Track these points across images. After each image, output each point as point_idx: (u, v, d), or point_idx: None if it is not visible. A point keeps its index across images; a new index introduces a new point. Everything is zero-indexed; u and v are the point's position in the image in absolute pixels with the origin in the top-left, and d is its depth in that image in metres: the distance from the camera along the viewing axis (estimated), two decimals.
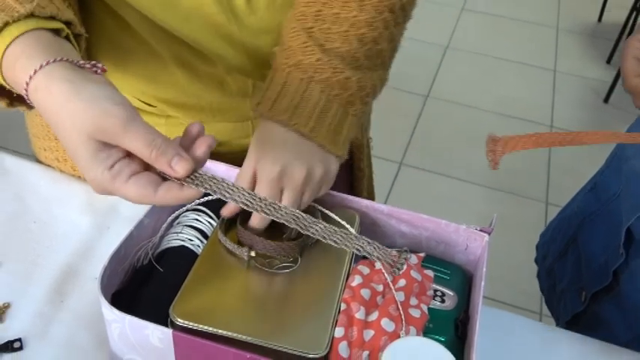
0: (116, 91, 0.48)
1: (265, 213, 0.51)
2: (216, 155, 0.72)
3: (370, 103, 0.69)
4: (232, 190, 0.50)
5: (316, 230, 0.51)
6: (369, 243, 0.52)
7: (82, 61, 0.49)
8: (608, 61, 2.87)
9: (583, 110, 2.60)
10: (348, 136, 0.65)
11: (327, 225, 0.51)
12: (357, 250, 0.51)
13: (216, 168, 0.70)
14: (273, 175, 0.58)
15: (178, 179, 0.48)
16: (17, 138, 0.92)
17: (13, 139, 0.96)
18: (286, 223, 0.50)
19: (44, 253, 0.70)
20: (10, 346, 0.61)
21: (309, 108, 0.62)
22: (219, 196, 0.50)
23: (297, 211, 0.51)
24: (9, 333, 0.62)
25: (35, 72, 0.47)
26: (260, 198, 0.51)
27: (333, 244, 0.51)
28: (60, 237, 0.72)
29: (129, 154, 0.47)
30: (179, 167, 0.47)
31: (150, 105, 0.73)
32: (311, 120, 0.61)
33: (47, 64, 0.47)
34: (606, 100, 2.62)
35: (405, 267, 0.52)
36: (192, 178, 0.49)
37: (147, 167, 0.48)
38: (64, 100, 0.46)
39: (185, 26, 0.65)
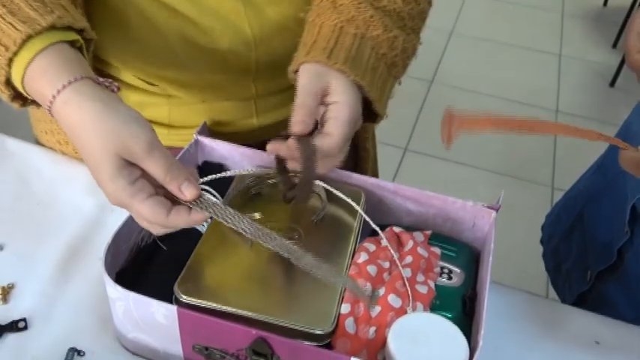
0: (140, 114, 0.52)
1: (262, 241, 0.53)
2: (220, 135, 0.72)
3: (407, 67, 0.70)
4: (233, 216, 0.54)
5: (307, 262, 0.53)
6: (349, 279, 0.56)
7: (100, 79, 0.52)
8: (614, 45, 2.84)
9: (589, 95, 2.58)
10: (388, 97, 0.67)
11: (315, 259, 0.53)
12: (339, 283, 0.55)
13: (221, 148, 0.70)
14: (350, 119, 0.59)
15: (186, 202, 0.52)
16: (18, 121, 0.92)
17: (14, 123, 0.95)
18: (280, 252, 0.53)
19: (48, 234, 0.70)
20: (14, 326, 0.60)
21: (364, 63, 0.62)
22: (221, 220, 0.54)
23: (290, 242, 0.54)
24: (13, 313, 0.62)
25: (64, 87, 0.50)
26: (258, 227, 0.54)
27: (319, 277, 0.53)
28: (63, 218, 0.72)
29: (145, 175, 0.51)
30: (187, 192, 0.51)
31: (151, 84, 0.72)
32: (367, 74, 0.62)
33: (75, 80, 0.50)
34: (612, 84, 2.60)
35: (376, 300, 0.56)
36: (197, 202, 0.52)
37: (156, 189, 0.52)
38: (95, 118, 0.49)
39: (187, 0, 0.64)
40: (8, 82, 0.54)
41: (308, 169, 0.57)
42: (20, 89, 0.54)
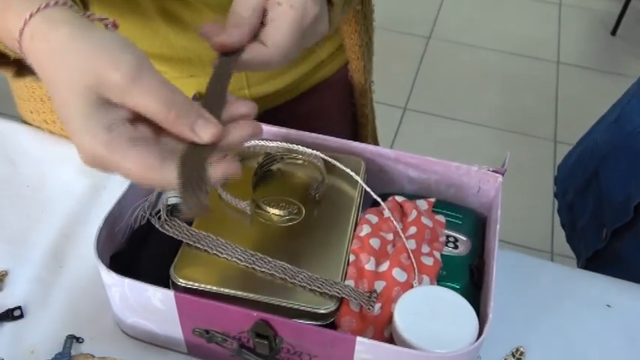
0: (129, 41, 0.38)
1: (257, 266, 0.52)
2: None
3: None
4: (226, 246, 0.52)
5: (301, 278, 0.51)
6: (345, 286, 0.52)
7: (88, 13, 0.40)
8: None
9: (590, 43, 2.52)
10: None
11: (309, 274, 0.52)
12: (337, 292, 0.51)
13: None
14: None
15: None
16: (2, 100, 0.89)
17: None
18: (275, 274, 0.51)
19: (39, 218, 0.67)
20: (10, 315, 0.59)
21: None
22: (214, 253, 0.52)
23: (284, 263, 0.52)
24: (8, 301, 0.60)
25: (31, 15, 0.38)
26: (251, 253, 0.52)
27: (316, 289, 0.51)
28: (54, 200, 0.69)
29: (133, 120, 0.38)
30: (204, 132, 0.37)
31: None
32: None
33: (47, 6, 0.38)
34: (614, 32, 2.54)
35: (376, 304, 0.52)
36: (188, 235, 0.49)
37: (149, 135, 0.39)
38: (63, 45, 0.37)
39: None
40: None
41: (213, 101, 0.42)
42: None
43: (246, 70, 0.50)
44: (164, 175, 0.37)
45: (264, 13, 0.47)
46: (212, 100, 0.42)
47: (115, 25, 0.41)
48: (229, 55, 0.47)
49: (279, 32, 0.46)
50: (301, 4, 0.47)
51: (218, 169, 0.38)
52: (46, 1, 0.38)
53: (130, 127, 0.37)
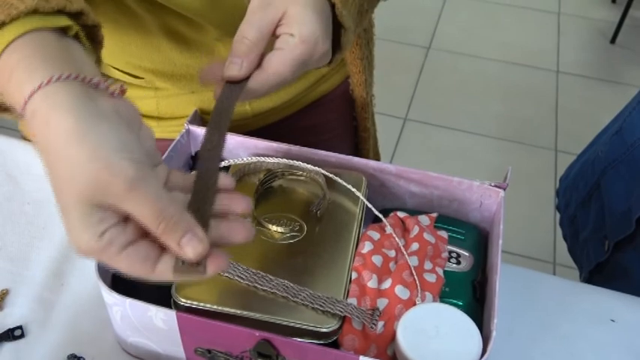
0: (132, 135, 0.38)
1: (259, 284, 0.51)
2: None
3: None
4: (228, 265, 0.49)
5: (304, 297, 0.51)
6: (347, 304, 0.52)
7: (95, 79, 0.39)
8: (614, 1, 2.78)
9: (589, 52, 2.53)
10: (363, 26, 0.58)
11: (312, 292, 0.51)
12: (339, 311, 0.50)
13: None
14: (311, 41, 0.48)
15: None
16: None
17: None
18: (277, 293, 0.51)
19: (40, 235, 0.67)
20: (10, 335, 0.58)
21: None
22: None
23: (286, 281, 0.52)
24: (9, 320, 0.60)
25: (32, 93, 0.37)
26: (253, 272, 0.52)
27: (318, 307, 0.50)
28: (55, 217, 0.69)
29: (126, 219, 0.38)
30: (189, 248, 0.36)
31: (137, 77, 0.69)
32: None
33: (48, 82, 0.37)
34: (613, 40, 2.55)
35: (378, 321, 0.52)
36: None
37: (143, 233, 0.38)
38: (62, 142, 0.36)
39: None
40: None
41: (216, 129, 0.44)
42: None
43: (246, 99, 0.50)
44: (155, 272, 0.38)
45: (275, 29, 0.48)
46: (203, 183, 0.41)
47: (122, 92, 0.41)
48: (233, 84, 0.47)
49: (283, 63, 0.47)
50: (313, 40, 0.47)
51: (210, 265, 0.38)
52: (48, 77, 0.37)
53: (121, 230, 0.37)
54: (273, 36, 0.48)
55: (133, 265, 0.37)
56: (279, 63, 0.47)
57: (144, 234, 0.38)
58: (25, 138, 0.80)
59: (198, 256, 0.37)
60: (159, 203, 0.36)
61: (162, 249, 0.38)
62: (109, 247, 0.37)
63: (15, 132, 0.81)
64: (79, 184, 0.36)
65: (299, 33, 0.47)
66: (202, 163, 0.42)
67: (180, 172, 0.43)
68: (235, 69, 0.46)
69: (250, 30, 0.47)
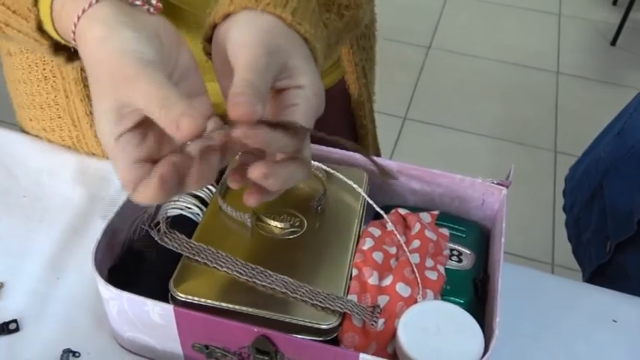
0: (152, 42, 0.41)
1: (258, 280, 0.51)
2: None
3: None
4: (227, 259, 0.52)
5: (303, 293, 0.50)
6: (348, 301, 0.51)
7: None
8: (614, 3, 2.77)
9: (590, 54, 2.53)
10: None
11: (311, 288, 0.51)
12: (339, 307, 0.50)
13: None
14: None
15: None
16: (1, 109, 0.88)
17: None
18: (276, 289, 0.51)
19: (36, 229, 0.66)
20: (5, 328, 0.57)
21: (315, 16, 0.49)
22: (215, 266, 0.52)
23: (285, 276, 0.51)
24: (4, 314, 0.59)
25: (78, 18, 0.41)
26: (252, 267, 0.51)
27: (318, 304, 0.50)
28: (52, 210, 0.68)
29: (143, 131, 0.40)
30: (184, 126, 0.37)
31: None
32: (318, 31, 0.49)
33: (90, 5, 0.41)
34: (613, 42, 2.55)
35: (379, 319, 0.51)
36: (188, 247, 0.50)
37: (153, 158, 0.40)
38: (94, 47, 0.41)
39: None
40: (41, 28, 0.46)
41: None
42: (54, 34, 0.45)
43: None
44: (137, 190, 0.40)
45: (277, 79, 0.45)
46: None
47: (157, 8, 0.44)
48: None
49: (307, 121, 0.44)
50: (322, 91, 0.45)
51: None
52: (88, 1, 0.41)
53: (136, 143, 0.40)
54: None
55: (132, 183, 0.39)
56: (303, 120, 0.43)
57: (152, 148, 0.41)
58: (23, 130, 0.80)
59: (192, 132, 0.37)
60: (161, 90, 0.38)
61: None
62: (121, 154, 0.40)
63: (12, 125, 0.80)
64: (101, 82, 0.40)
65: (310, 85, 0.44)
66: None
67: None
68: (246, 109, 0.40)
69: (258, 78, 0.42)
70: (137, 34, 0.41)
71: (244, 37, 0.44)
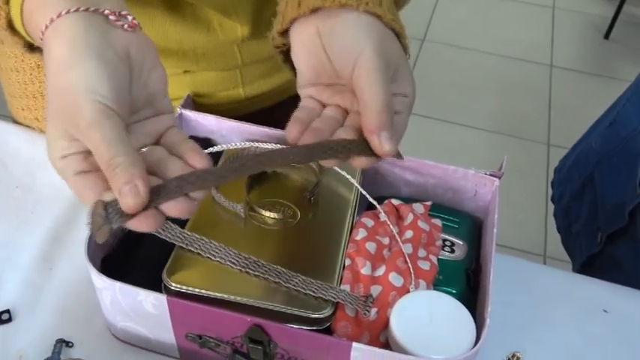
0: (115, 76, 0.39)
1: (251, 269, 0.51)
2: (204, 108, 0.68)
3: None
4: (220, 249, 0.52)
5: (296, 282, 0.50)
6: (341, 290, 0.51)
7: (108, 10, 0.40)
8: None
9: (583, 47, 2.53)
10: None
11: (304, 277, 0.51)
12: (332, 297, 0.50)
13: (207, 121, 0.66)
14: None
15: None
16: None
17: None
18: (269, 278, 0.51)
19: (29, 219, 0.66)
20: None
21: None
22: (208, 256, 0.52)
23: (278, 266, 0.51)
24: None
25: (46, 27, 0.40)
26: (245, 257, 0.51)
27: (311, 293, 0.50)
28: (44, 201, 0.68)
29: (88, 152, 0.40)
30: (126, 198, 0.36)
31: None
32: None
33: (59, 16, 0.39)
34: (607, 36, 2.55)
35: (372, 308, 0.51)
36: (181, 238, 0.49)
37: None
38: (55, 70, 0.39)
39: None
40: (12, 26, 0.45)
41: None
42: (25, 35, 0.44)
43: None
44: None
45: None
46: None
47: (132, 26, 0.42)
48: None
49: (403, 127, 0.46)
50: (381, 48, 0.45)
51: (139, 219, 0.38)
52: (58, 10, 0.39)
53: (80, 159, 0.39)
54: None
55: (80, 190, 0.39)
56: (401, 129, 0.46)
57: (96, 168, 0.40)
58: (14, 121, 0.79)
59: (133, 207, 0.37)
60: (111, 149, 0.37)
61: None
62: (66, 169, 0.39)
63: (4, 117, 0.80)
64: (54, 109, 0.39)
65: (413, 94, 0.46)
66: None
67: (181, 133, 0.43)
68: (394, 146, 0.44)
69: (384, 95, 0.43)
70: (101, 65, 0.39)
71: (358, 46, 0.44)
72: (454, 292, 0.54)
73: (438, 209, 0.63)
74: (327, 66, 0.46)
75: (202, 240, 0.53)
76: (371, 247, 0.55)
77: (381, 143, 0.43)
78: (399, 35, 0.47)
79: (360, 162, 0.44)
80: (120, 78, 0.40)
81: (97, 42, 0.39)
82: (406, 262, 0.54)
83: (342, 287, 0.52)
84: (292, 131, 0.45)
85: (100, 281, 0.51)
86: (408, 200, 0.62)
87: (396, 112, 0.45)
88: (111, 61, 0.40)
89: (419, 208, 0.61)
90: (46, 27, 0.40)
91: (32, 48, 0.48)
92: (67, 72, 0.38)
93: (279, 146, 0.61)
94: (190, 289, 0.50)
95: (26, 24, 0.43)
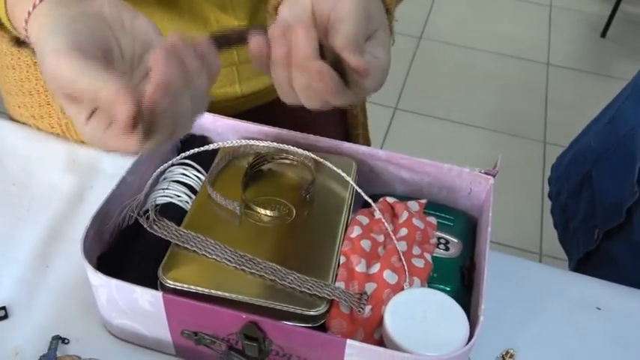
0: (99, 32, 0.41)
1: (247, 267, 0.51)
2: None
3: None
4: (215, 247, 0.52)
5: (291, 280, 0.51)
6: (335, 288, 0.52)
7: None
8: None
9: (580, 45, 2.54)
10: None
11: (300, 275, 0.51)
12: (327, 294, 0.50)
13: (203, 119, 0.66)
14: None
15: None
16: None
17: None
18: (265, 276, 0.51)
19: (25, 217, 0.66)
20: None
21: None
22: (204, 254, 0.52)
23: (274, 264, 0.52)
24: None
25: (26, 21, 0.42)
26: (241, 254, 0.52)
27: (306, 291, 0.50)
28: (41, 198, 0.68)
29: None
30: (120, 106, 0.38)
31: None
32: None
33: (34, 7, 0.42)
34: (603, 34, 2.56)
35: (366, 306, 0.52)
36: (176, 235, 0.51)
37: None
38: (42, 37, 0.41)
39: None
40: None
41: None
42: (10, 28, 0.46)
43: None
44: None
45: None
46: None
47: None
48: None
49: (373, 87, 0.47)
50: (388, 68, 0.48)
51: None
52: (32, 2, 0.41)
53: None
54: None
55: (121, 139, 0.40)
56: (370, 88, 0.47)
57: None
58: (11, 118, 0.79)
59: (130, 112, 0.38)
60: (85, 77, 0.38)
61: None
62: (96, 129, 0.40)
63: (0, 114, 0.80)
64: (53, 92, 0.40)
65: (384, 59, 0.48)
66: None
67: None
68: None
69: (361, 38, 0.45)
70: (82, 25, 0.41)
71: None
72: (448, 289, 0.55)
73: (433, 207, 0.63)
74: (308, 11, 0.47)
75: (198, 237, 0.53)
76: (366, 244, 0.55)
77: (351, 52, 0.43)
78: (387, 11, 0.49)
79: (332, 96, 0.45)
80: (94, 33, 0.41)
81: (70, 10, 0.41)
82: (401, 259, 0.55)
83: (337, 285, 0.52)
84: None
85: (97, 278, 0.51)
86: (403, 198, 0.62)
87: (375, 57, 0.46)
88: (88, 23, 0.41)
89: (414, 205, 0.61)
90: (26, 21, 0.42)
91: (19, 42, 0.49)
92: (53, 35, 0.40)
93: (275, 144, 0.61)
94: (186, 286, 0.51)
95: (11, 19, 0.45)
